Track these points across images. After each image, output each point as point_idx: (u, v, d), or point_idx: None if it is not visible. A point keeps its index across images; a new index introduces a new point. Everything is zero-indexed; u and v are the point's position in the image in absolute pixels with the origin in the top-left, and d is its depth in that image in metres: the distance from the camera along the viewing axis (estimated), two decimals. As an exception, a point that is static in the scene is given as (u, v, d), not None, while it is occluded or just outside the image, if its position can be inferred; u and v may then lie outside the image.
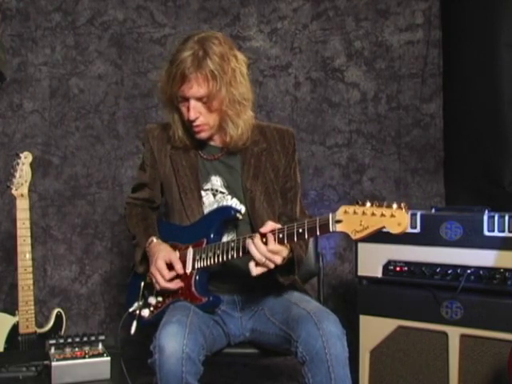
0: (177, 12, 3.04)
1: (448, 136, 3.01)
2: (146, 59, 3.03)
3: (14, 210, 2.30)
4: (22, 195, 2.29)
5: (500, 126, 2.57)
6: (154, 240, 1.87)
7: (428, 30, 3.03)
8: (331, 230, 1.52)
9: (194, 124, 1.81)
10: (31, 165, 2.33)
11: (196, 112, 1.78)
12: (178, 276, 1.81)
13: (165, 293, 1.83)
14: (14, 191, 2.29)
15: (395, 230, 1.43)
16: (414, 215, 2.16)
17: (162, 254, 1.81)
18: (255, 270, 1.65)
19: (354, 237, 1.48)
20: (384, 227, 1.44)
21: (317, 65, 3.07)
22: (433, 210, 2.28)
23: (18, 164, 2.31)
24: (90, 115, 3.02)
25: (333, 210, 2.99)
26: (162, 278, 1.78)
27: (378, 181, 3.06)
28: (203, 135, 1.85)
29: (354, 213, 1.47)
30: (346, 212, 1.49)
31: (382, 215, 1.43)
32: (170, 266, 1.80)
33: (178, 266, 1.79)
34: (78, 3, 2.99)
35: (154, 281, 1.82)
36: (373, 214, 1.44)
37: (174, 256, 1.81)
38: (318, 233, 1.55)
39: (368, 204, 1.46)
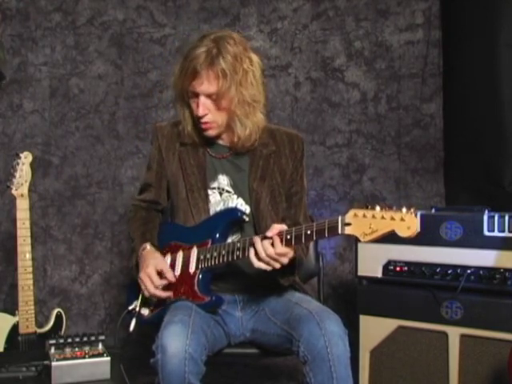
0: (177, 12, 3.04)
1: (448, 136, 3.01)
2: (146, 59, 3.04)
3: (14, 210, 2.30)
4: (22, 195, 2.29)
5: (500, 125, 2.57)
6: (148, 247, 1.85)
7: (428, 30, 3.03)
8: (340, 232, 1.53)
9: (202, 121, 1.81)
10: (31, 165, 2.33)
11: (205, 109, 1.79)
12: (169, 285, 1.80)
13: (152, 300, 1.83)
14: (14, 191, 2.29)
15: (404, 234, 1.45)
16: (413, 215, 2.16)
17: (153, 261, 1.80)
18: (257, 264, 1.65)
19: (363, 239, 1.49)
20: (393, 231, 1.45)
21: (317, 65, 3.07)
22: (433, 210, 2.28)
23: (17, 164, 2.31)
24: (90, 115, 3.02)
25: (333, 210, 3.03)
26: (151, 284, 1.77)
27: (378, 181, 3.06)
28: (211, 133, 1.86)
29: (364, 216, 1.49)
30: (355, 215, 1.50)
31: (392, 219, 1.45)
32: (161, 276, 1.78)
33: (170, 275, 1.78)
34: (78, 3, 3.00)
35: (142, 287, 1.80)
36: (382, 218, 1.46)
37: (165, 265, 1.80)
38: (326, 235, 1.56)
39: (378, 208, 1.48)
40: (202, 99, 1.77)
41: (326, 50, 3.07)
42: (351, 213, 1.51)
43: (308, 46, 3.07)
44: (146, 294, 1.80)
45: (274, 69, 3.07)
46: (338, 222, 1.53)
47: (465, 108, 2.84)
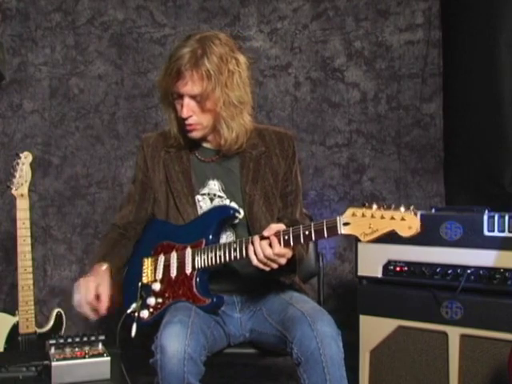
0: (177, 12, 3.04)
1: (448, 136, 3.01)
2: (146, 59, 3.04)
3: (14, 210, 2.30)
4: (22, 195, 2.29)
5: (500, 125, 2.57)
6: (104, 267, 1.82)
7: (428, 30, 3.03)
8: (339, 232, 1.51)
9: (187, 122, 1.80)
10: (31, 165, 2.33)
11: (189, 110, 1.77)
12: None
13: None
14: (14, 191, 2.29)
15: (406, 233, 1.43)
16: (413, 215, 2.16)
17: (101, 281, 1.77)
18: (255, 263, 1.65)
19: (363, 239, 1.48)
20: (394, 230, 1.44)
21: (317, 65, 3.07)
22: (433, 210, 2.28)
23: (17, 164, 2.31)
24: (90, 115, 3.02)
25: (333, 210, 3.03)
26: (85, 296, 1.75)
27: (378, 181, 3.06)
28: (195, 134, 1.84)
29: (363, 215, 1.47)
30: (353, 214, 1.49)
31: (392, 218, 1.44)
32: (97, 298, 1.77)
33: (102, 305, 1.75)
34: (78, 3, 3.00)
35: (76, 291, 1.78)
36: (382, 217, 1.45)
37: (106, 292, 1.77)
38: (325, 235, 1.54)
39: (375, 206, 1.46)
40: (187, 100, 1.76)
41: (325, 49, 3.07)
42: (349, 211, 1.50)
43: (308, 46, 3.07)
44: (76, 300, 1.78)
45: (274, 69, 3.07)
46: (336, 222, 1.52)
47: (465, 108, 2.84)
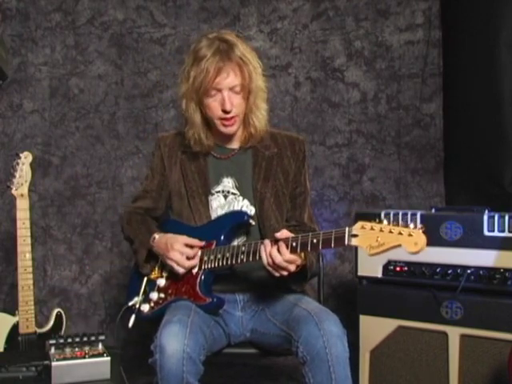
0: (177, 12, 3.04)
1: (448, 136, 3.01)
2: (146, 59, 3.04)
3: (14, 210, 2.30)
4: (22, 195, 2.29)
5: (500, 125, 2.57)
6: (157, 236, 1.86)
7: (428, 30, 3.03)
8: (346, 243, 1.53)
9: (229, 116, 1.81)
10: (31, 165, 2.33)
11: (231, 102, 1.80)
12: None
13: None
14: (14, 191, 2.29)
15: (411, 249, 1.45)
16: (413, 215, 2.17)
17: (175, 239, 1.81)
18: (268, 267, 1.67)
19: (368, 252, 1.49)
20: (400, 245, 1.46)
21: (317, 65, 3.07)
22: (433, 210, 2.28)
23: (17, 164, 2.31)
24: (90, 115, 3.02)
25: (333, 210, 3.03)
26: (184, 259, 1.77)
27: (378, 181, 3.06)
28: (234, 128, 1.86)
29: (372, 229, 1.49)
30: (362, 227, 1.50)
31: (400, 233, 1.45)
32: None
33: (195, 242, 1.80)
34: (78, 3, 3.00)
35: (174, 266, 1.79)
36: (390, 232, 1.47)
37: (186, 237, 1.81)
38: (332, 245, 1.56)
39: (385, 222, 1.49)
40: (227, 93, 1.78)
41: (325, 49, 3.07)
42: (359, 224, 1.52)
43: (308, 46, 3.07)
44: (181, 270, 1.79)
45: (274, 69, 3.07)
46: (344, 233, 1.53)
47: (465, 108, 2.84)
